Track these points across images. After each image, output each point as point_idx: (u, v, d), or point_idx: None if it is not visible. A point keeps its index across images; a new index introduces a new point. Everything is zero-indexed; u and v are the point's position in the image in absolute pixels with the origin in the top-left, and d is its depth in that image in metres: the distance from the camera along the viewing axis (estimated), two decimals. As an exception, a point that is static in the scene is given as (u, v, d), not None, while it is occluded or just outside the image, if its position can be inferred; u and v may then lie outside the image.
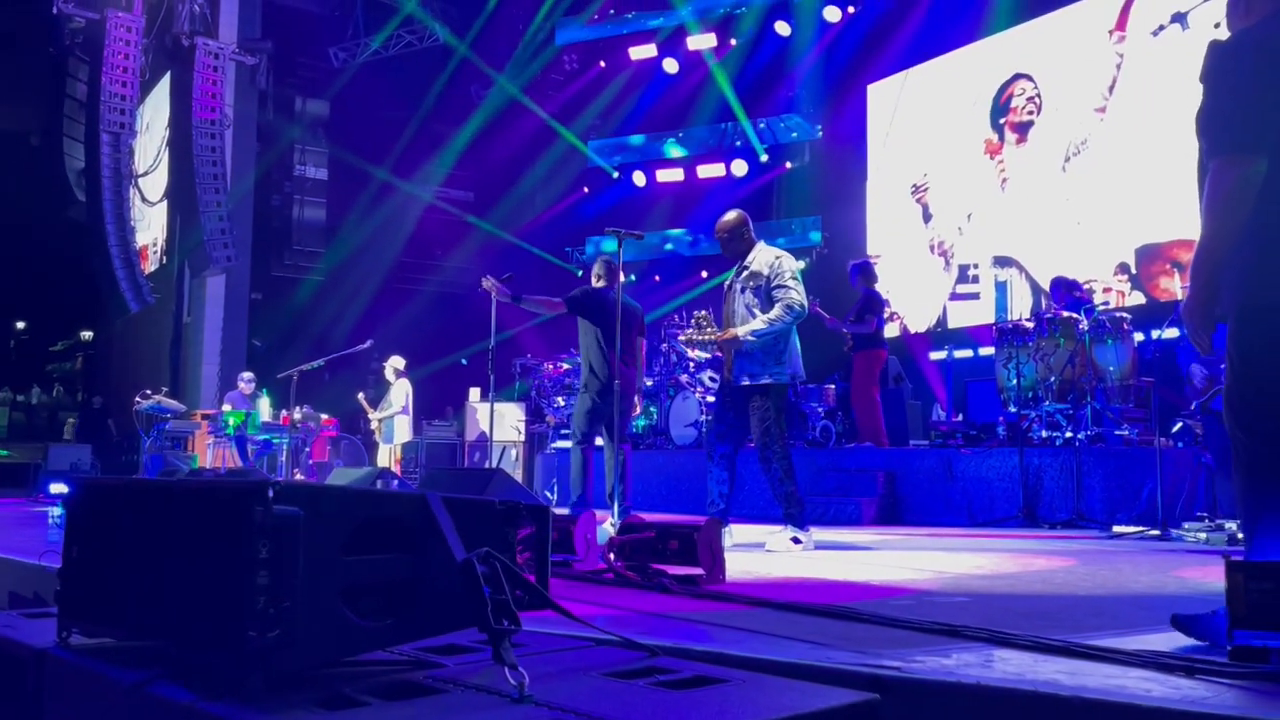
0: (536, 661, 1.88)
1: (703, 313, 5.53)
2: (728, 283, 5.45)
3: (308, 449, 12.97)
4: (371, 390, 13.03)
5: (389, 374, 11.59)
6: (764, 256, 5.28)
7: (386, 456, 11.70)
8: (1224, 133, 2.31)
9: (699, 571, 3.74)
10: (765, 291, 5.18)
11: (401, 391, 11.45)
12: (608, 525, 5.85)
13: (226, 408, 11.63)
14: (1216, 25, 2.30)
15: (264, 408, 12.04)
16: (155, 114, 16.87)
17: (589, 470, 6.39)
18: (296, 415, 11.68)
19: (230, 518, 1.57)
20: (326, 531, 1.61)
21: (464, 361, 15.22)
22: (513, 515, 1.89)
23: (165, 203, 16.26)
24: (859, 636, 2.55)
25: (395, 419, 11.49)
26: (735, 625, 2.74)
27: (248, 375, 12.23)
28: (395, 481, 6.21)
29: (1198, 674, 1.92)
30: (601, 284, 6.58)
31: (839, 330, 8.79)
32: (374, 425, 11.91)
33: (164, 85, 16.53)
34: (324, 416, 13.01)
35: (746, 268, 5.30)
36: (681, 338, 6.51)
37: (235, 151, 14.84)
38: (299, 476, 12.05)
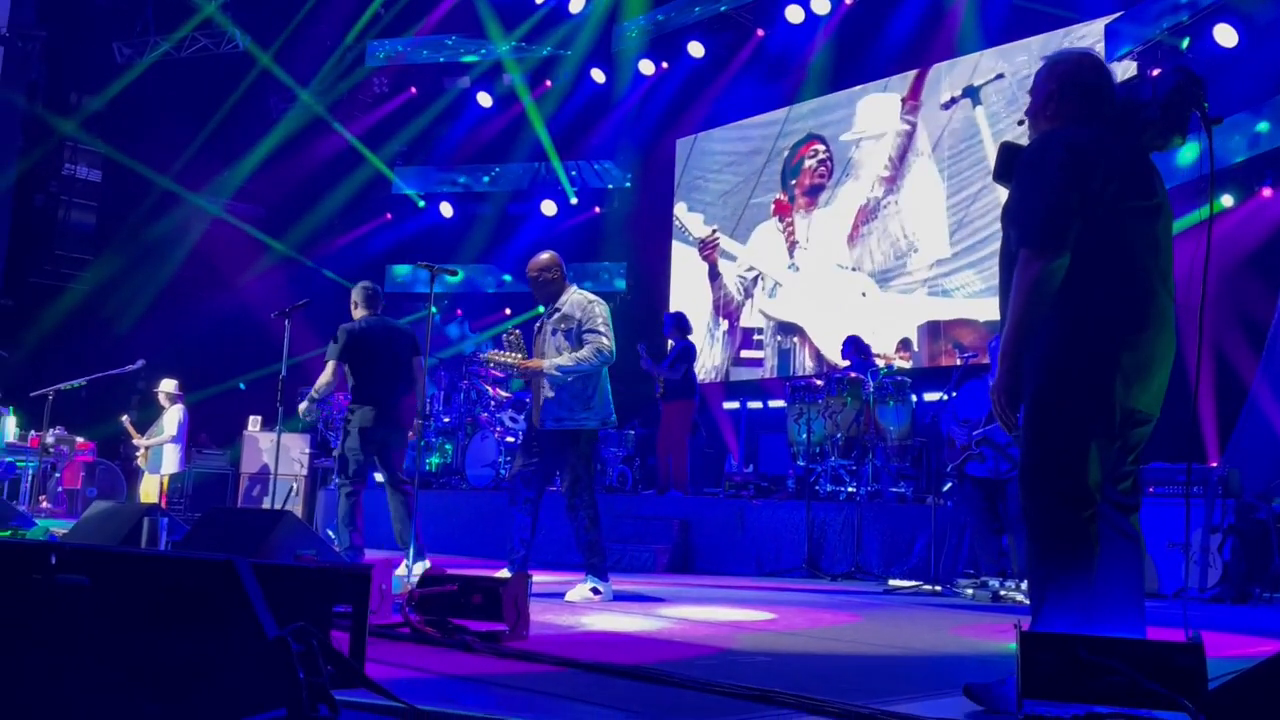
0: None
1: (516, 331, 5.46)
2: (539, 324, 5.42)
3: (58, 474, 11.84)
4: (136, 413, 12.01)
5: (162, 399, 10.72)
6: (576, 299, 5.28)
7: (152, 486, 10.78)
8: (1032, 227, 2.50)
9: (502, 627, 3.63)
10: (576, 335, 5.18)
11: (174, 418, 10.60)
12: (401, 571, 5.62)
13: (-37, 426, 10.42)
14: (1021, 123, 2.52)
15: (9, 427, 10.85)
16: (-102, 92, 15.02)
17: (359, 515, 6.11)
18: (49, 438, 10.62)
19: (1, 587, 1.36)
20: (117, 604, 1.42)
21: (242, 386, 14.30)
22: (331, 584, 1.75)
23: (-97, 192, 14.47)
24: (671, 703, 2.54)
25: (164, 447, 10.61)
26: (544, 690, 2.67)
27: (-10, 390, 11.02)
28: (165, 520, 5.69)
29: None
30: (360, 312, 6.37)
31: (653, 373, 8.93)
32: (140, 452, 10.97)
33: (-88, 62, 14.77)
34: (79, 440, 11.90)
35: (558, 310, 5.28)
36: (484, 355, 6.37)
37: (-5, 143, 13.44)
38: (45, 504, 10.96)
